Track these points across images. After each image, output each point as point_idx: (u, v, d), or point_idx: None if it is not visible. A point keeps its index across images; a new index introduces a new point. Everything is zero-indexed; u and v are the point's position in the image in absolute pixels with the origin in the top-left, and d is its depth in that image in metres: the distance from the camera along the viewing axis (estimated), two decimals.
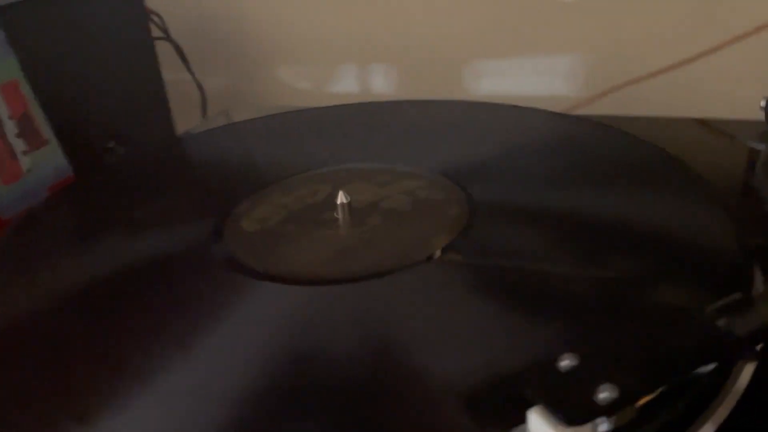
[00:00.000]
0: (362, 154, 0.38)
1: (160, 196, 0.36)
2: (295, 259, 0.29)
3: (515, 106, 0.42)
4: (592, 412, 0.17)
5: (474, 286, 0.25)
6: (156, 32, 0.52)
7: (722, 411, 0.20)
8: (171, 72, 0.54)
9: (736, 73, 0.49)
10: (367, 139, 0.41)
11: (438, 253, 0.27)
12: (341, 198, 0.31)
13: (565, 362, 0.18)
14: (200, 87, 0.58)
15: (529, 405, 0.18)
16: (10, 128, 0.38)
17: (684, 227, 0.27)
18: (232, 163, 0.39)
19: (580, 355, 0.18)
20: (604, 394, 0.17)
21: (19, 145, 0.38)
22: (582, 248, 0.27)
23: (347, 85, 0.64)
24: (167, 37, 0.54)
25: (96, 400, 0.22)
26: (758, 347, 0.19)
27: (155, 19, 0.52)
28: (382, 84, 0.63)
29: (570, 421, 0.17)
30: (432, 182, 0.34)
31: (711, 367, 0.19)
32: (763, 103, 0.33)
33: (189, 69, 0.57)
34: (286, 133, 0.43)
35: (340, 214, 0.31)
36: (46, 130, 0.40)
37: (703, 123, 0.46)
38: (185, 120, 0.56)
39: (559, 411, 0.17)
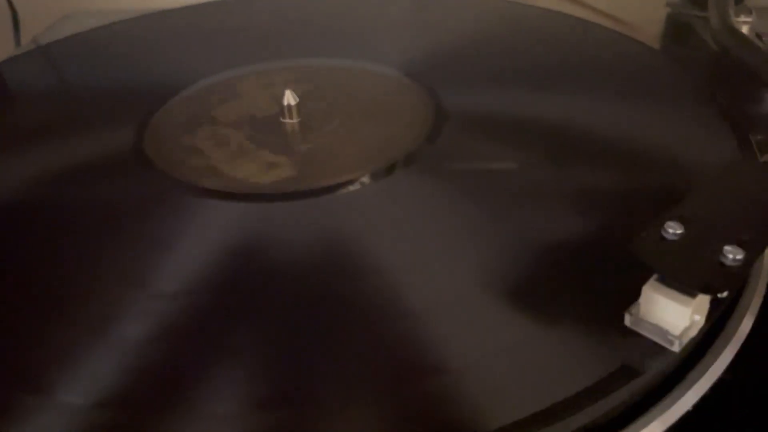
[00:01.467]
0: (295, 50, 0.33)
1: (66, 106, 0.30)
2: (239, 171, 0.24)
3: None
4: (727, 277, 0.16)
5: (448, 193, 0.23)
6: None
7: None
8: None
9: None
10: (287, 35, 0.35)
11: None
12: (288, 98, 0.26)
13: (672, 230, 0.17)
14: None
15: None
16: None
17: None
18: (136, 68, 0.33)
19: (683, 222, 0.17)
20: (732, 255, 0.16)
21: None
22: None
23: None
24: None
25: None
26: None
27: None
28: None
29: (705, 290, 0.16)
30: (388, 78, 0.30)
31: None
32: None
33: None
34: (181, 33, 0.37)
35: (287, 117, 0.26)
36: None
37: None
38: None
39: (685, 280, 0.16)
